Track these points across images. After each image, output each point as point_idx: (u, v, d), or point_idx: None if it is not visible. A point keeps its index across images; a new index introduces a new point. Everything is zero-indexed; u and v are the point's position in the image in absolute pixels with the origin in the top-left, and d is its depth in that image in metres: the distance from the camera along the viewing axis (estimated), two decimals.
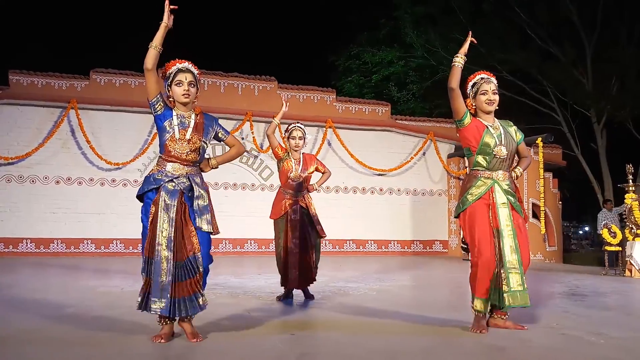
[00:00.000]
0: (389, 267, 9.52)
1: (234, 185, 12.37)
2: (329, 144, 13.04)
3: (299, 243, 4.97)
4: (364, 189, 13.36)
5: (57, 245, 11.22)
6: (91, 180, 11.59)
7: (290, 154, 5.14)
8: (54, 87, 11.46)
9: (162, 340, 3.06)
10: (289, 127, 5.17)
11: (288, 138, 5.15)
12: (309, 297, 5.04)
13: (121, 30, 22.83)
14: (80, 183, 11.52)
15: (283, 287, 5.05)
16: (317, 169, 5.28)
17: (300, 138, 5.11)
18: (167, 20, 3.14)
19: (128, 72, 11.91)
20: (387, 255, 13.06)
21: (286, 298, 4.97)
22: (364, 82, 19.95)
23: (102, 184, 11.63)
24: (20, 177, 11.18)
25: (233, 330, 3.52)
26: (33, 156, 11.15)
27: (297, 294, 5.13)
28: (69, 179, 11.46)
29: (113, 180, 11.69)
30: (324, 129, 12.88)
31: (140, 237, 3.23)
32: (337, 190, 13.06)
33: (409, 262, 10.88)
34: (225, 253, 11.90)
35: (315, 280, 5.16)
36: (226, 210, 11.31)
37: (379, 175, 13.40)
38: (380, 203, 13.42)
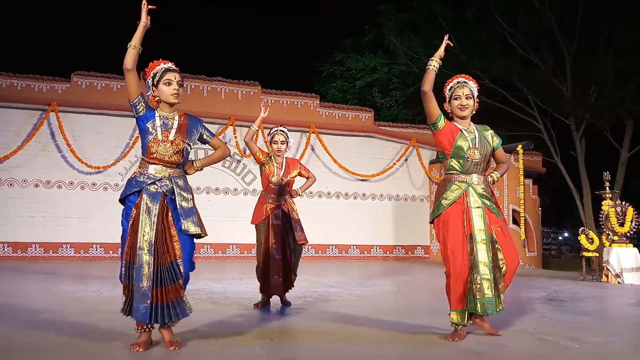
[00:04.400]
0: (371, 272, 9.55)
1: (217, 189, 12.31)
2: (312, 149, 13.06)
3: (280, 248, 4.91)
4: (346, 194, 13.39)
5: (36, 250, 11.04)
6: (71, 183, 11.44)
7: (272, 158, 5.07)
8: (33, 89, 11.31)
9: (140, 349, 3.00)
10: (271, 132, 5.10)
11: (270, 142, 5.07)
12: (285, 303, 4.97)
13: (103, 33, 22.62)
14: (59, 187, 11.37)
15: (262, 294, 4.98)
16: (300, 174, 5.19)
17: (282, 142, 5.03)
18: (145, 20, 3.11)
19: (110, 75, 11.81)
20: (370, 260, 13.09)
21: (265, 305, 4.91)
22: (348, 88, 20.04)
23: (83, 187, 11.49)
24: None
25: (212, 336, 3.50)
26: (12, 159, 10.97)
27: (274, 301, 5.07)
28: (48, 183, 11.30)
29: (93, 184, 11.56)
30: (308, 134, 12.91)
31: (120, 242, 3.17)
32: (320, 196, 13.07)
33: (391, 267, 10.93)
34: (207, 258, 11.82)
35: (293, 286, 5.11)
36: (208, 215, 11.18)
37: (362, 180, 13.45)
38: (363, 208, 13.47)
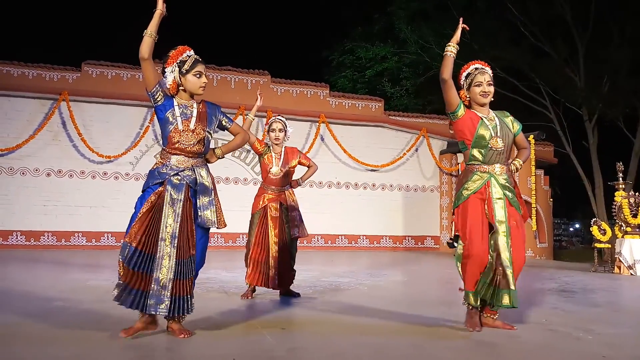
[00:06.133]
0: (381, 262, 9.55)
1: (227, 179, 12.34)
2: (322, 139, 13.03)
3: (279, 242, 4.78)
4: (356, 185, 13.37)
5: (48, 238, 11.15)
6: (82, 172, 11.52)
7: (271, 147, 4.96)
8: (45, 78, 11.37)
9: (124, 335, 2.95)
10: (269, 120, 5.01)
11: (268, 131, 4.96)
12: (294, 295, 4.86)
13: (114, 22, 22.67)
14: (71, 176, 11.45)
15: (249, 284, 4.82)
16: (301, 163, 5.05)
17: (280, 130, 4.90)
18: (161, 7, 3.06)
19: (120, 64, 11.83)
20: (379, 251, 13.09)
21: (252, 294, 4.79)
22: (358, 78, 19.93)
23: (94, 176, 11.56)
24: (11, 169, 11.10)
25: (223, 324, 3.52)
26: (24, 148, 11.07)
27: (267, 291, 4.96)
28: (60, 172, 11.38)
29: (104, 173, 11.63)
30: (317, 124, 12.87)
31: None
32: (329, 186, 13.06)
33: (401, 258, 10.92)
34: (217, 247, 11.88)
35: (292, 282, 4.94)
36: None
37: (372, 170, 13.41)
38: (373, 199, 13.44)
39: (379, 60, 19.37)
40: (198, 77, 3.17)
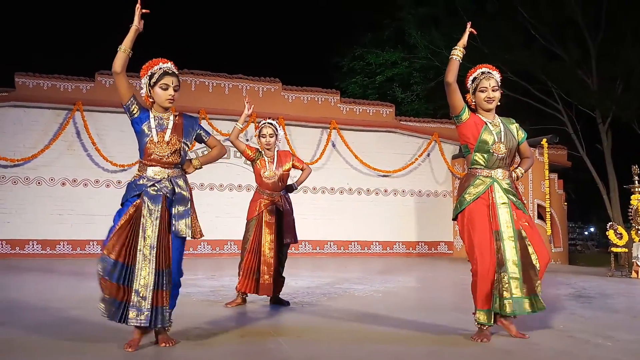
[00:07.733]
0: (394, 268, 9.52)
1: (239, 186, 12.37)
2: (333, 145, 13.04)
3: (273, 247, 4.70)
4: (368, 190, 13.35)
5: (64, 247, 11.26)
6: (97, 181, 11.63)
7: (263, 152, 4.89)
8: (59, 89, 11.51)
9: (130, 349, 2.95)
10: (259, 125, 4.92)
11: (259, 136, 4.90)
12: (282, 303, 4.77)
13: (126, 33, 22.88)
14: (86, 185, 11.56)
15: (238, 292, 4.72)
16: (294, 166, 4.97)
17: (271, 135, 4.83)
18: (137, 24, 3.11)
19: (133, 74, 11.72)
20: (392, 257, 13.04)
21: (239, 305, 4.67)
22: (368, 83, 19.93)
23: (108, 185, 11.67)
24: (27, 179, 11.23)
25: (238, 331, 3.53)
26: (39, 158, 11.19)
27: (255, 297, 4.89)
28: (74, 181, 11.50)
29: (119, 182, 11.72)
30: (328, 130, 12.88)
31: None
32: (341, 192, 13.05)
33: (414, 264, 10.87)
34: (230, 254, 11.90)
35: (282, 289, 4.84)
36: (231, 212, 11.32)
37: (383, 176, 13.39)
38: (385, 204, 13.41)
39: (389, 66, 19.37)
40: (164, 90, 3.16)
